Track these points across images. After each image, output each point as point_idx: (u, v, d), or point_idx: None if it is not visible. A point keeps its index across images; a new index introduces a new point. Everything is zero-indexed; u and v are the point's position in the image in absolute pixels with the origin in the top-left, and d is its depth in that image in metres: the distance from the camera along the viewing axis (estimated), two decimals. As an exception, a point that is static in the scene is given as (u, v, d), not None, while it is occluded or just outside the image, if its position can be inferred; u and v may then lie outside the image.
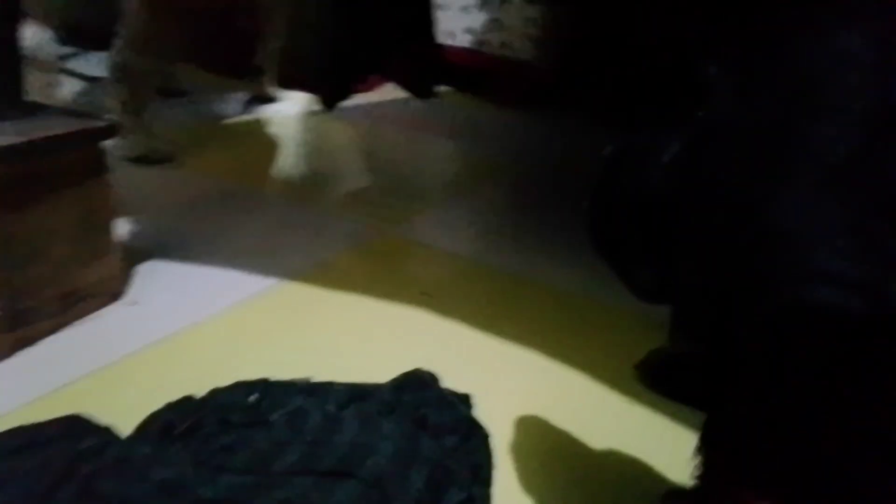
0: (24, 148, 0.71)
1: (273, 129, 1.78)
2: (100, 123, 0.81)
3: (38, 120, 0.77)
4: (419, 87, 1.43)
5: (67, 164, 0.78)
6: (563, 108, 2.20)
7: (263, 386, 0.69)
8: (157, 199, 1.23)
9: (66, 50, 1.81)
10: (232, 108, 1.87)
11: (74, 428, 0.64)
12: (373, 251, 1.17)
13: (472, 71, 2.30)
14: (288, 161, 1.61)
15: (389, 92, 1.82)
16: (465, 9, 2.38)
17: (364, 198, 1.43)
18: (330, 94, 1.32)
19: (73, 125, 0.78)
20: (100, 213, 0.84)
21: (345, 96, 1.36)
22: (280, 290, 0.98)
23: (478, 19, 2.41)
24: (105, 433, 0.63)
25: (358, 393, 0.67)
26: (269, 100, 1.91)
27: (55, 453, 0.61)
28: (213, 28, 1.96)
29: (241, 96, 1.92)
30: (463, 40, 2.38)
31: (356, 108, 1.88)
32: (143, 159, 1.35)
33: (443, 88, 1.91)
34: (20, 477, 0.59)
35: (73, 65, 1.84)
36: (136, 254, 0.98)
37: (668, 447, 0.71)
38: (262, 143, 1.69)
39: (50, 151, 0.74)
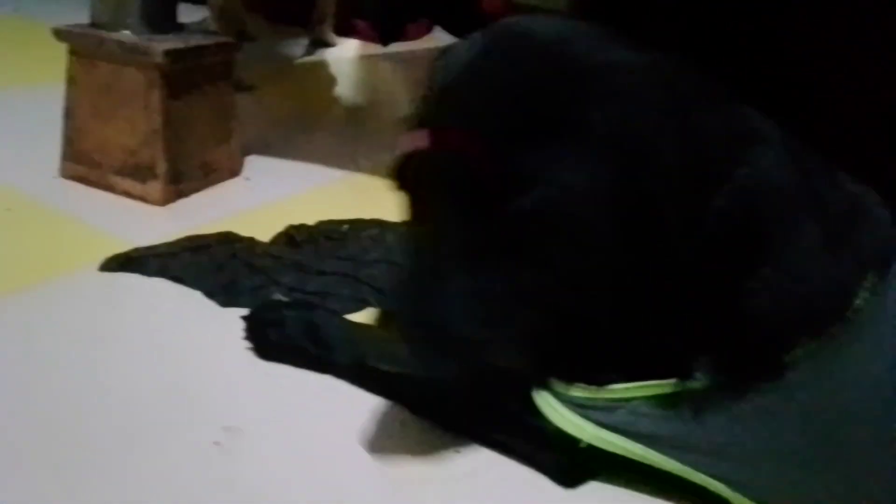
0: (185, 51, 1.01)
1: (332, 69, 2.07)
2: (230, 39, 1.10)
3: (187, 35, 1.07)
4: (461, 33, 1.70)
5: (209, 67, 1.07)
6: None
7: (352, 220, 0.99)
8: (249, 113, 1.53)
9: None
10: (296, 51, 2.16)
11: (228, 237, 0.94)
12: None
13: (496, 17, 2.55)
14: (346, 92, 1.90)
15: (432, 40, 2.09)
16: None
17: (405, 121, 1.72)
18: (385, 34, 1.60)
19: (213, 39, 1.08)
20: (226, 107, 1.13)
21: (397, 37, 1.64)
22: (350, 179, 1.28)
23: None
24: (249, 240, 0.93)
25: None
26: (328, 45, 2.19)
27: (217, 252, 0.91)
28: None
29: (303, 42, 2.21)
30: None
31: (402, 53, 2.17)
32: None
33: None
34: (194, 266, 0.89)
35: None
36: (242, 146, 1.28)
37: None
38: (324, 78, 1.99)
39: (200, 55, 1.04)
